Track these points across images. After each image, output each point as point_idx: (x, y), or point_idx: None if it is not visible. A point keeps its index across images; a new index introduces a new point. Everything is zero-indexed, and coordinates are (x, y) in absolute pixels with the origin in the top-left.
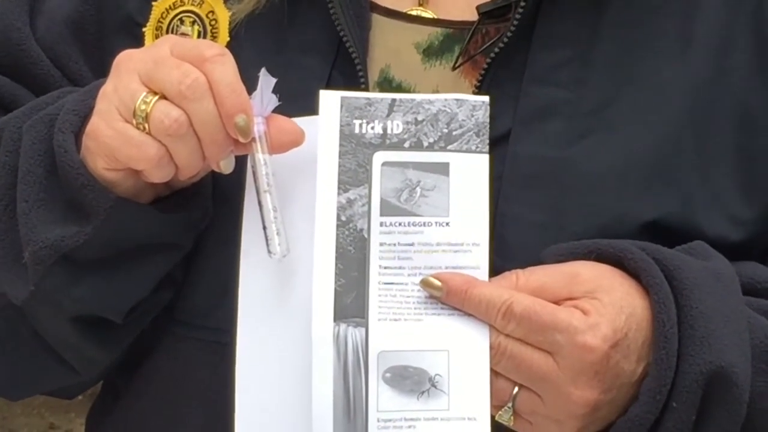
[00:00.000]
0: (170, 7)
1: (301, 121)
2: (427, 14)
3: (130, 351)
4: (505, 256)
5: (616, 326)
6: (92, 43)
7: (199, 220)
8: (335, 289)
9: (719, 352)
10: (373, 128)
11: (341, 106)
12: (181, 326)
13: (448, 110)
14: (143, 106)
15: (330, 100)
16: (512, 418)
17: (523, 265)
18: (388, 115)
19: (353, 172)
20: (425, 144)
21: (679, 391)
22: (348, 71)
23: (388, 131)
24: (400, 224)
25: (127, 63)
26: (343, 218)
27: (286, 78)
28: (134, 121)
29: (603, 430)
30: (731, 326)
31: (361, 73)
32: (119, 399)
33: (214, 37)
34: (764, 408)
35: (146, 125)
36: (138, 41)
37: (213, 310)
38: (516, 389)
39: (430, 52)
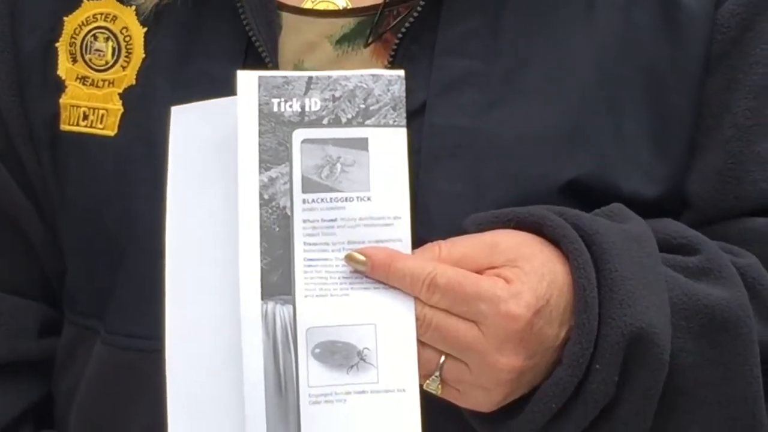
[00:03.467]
0: (83, 23)
1: (220, 102)
2: (335, 6)
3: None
4: (427, 227)
5: (538, 293)
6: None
7: None
8: (261, 268)
9: (639, 314)
10: (291, 106)
11: (259, 85)
12: (115, 339)
13: (365, 86)
14: None
15: (248, 80)
16: (440, 387)
17: (447, 235)
18: (305, 93)
19: (274, 151)
20: (343, 120)
21: (601, 354)
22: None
23: (307, 109)
24: (322, 200)
25: None
26: (266, 197)
27: (197, 88)
28: None
29: (528, 395)
30: (650, 288)
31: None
32: (59, 419)
33: (128, 53)
34: (684, 364)
35: None
36: (53, 57)
37: (143, 318)
38: (443, 359)
39: (342, 41)
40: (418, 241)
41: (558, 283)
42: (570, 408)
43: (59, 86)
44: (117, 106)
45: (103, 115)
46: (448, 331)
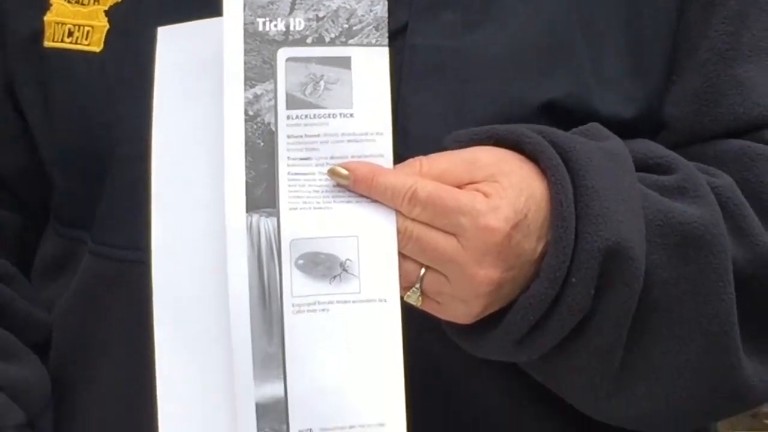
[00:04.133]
0: None
1: (206, 23)
2: None
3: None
4: (408, 145)
5: (517, 208)
6: None
7: None
8: (246, 181)
9: (615, 229)
10: (276, 26)
11: (244, 5)
12: (101, 250)
13: (348, 6)
14: None
15: (233, 0)
16: (420, 298)
17: (427, 153)
18: (290, 13)
19: (259, 69)
20: (327, 39)
21: (577, 267)
22: None
23: (291, 28)
24: (306, 116)
25: None
26: (251, 113)
27: (184, 5)
28: None
29: (506, 308)
30: (626, 204)
31: None
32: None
33: None
34: (658, 280)
35: None
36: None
37: (129, 229)
38: (423, 271)
39: None
40: (399, 160)
41: (536, 198)
42: (547, 321)
43: (43, 4)
44: (102, 23)
45: (88, 32)
46: (428, 244)
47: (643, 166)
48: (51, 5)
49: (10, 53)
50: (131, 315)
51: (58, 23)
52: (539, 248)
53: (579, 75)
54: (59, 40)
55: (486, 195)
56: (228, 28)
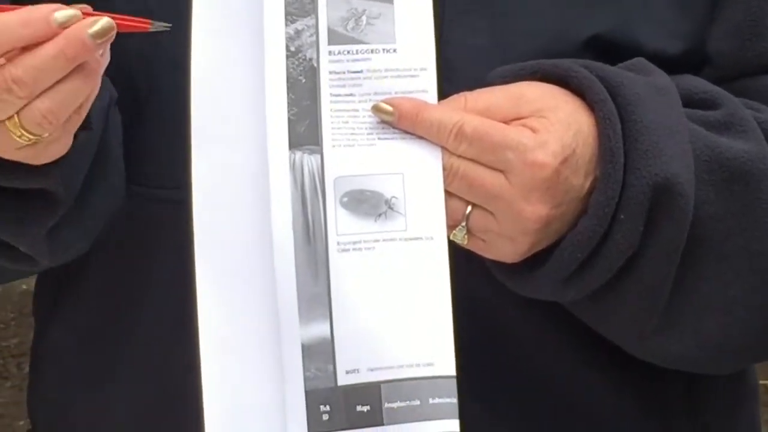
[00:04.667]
0: None
1: None
2: None
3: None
4: (452, 80)
5: (565, 143)
6: None
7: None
8: (288, 118)
9: (664, 164)
10: None
11: None
12: (140, 189)
13: None
14: None
15: None
16: (466, 237)
17: (470, 88)
18: None
19: (300, 3)
20: None
21: (626, 203)
22: None
23: None
24: (348, 52)
25: None
26: (292, 49)
27: None
28: None
29: (553, 246)
30: (674, 138)
31: None
32: (75, 277)
33: None
34: (706, 216)
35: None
36: None
37: (169, 166)
38: (469, 208)
39: None
40: (442, 95)
41: (583, 133)
42: (595, 258)
43: None
44: None
45: None
46: (475, 180)
47: (688, 101)
48: None
49: None
50: (172, 255)
51: None
52: (587, 185)
53: (624, 9)
54: None
55: (533, 130)
56: None
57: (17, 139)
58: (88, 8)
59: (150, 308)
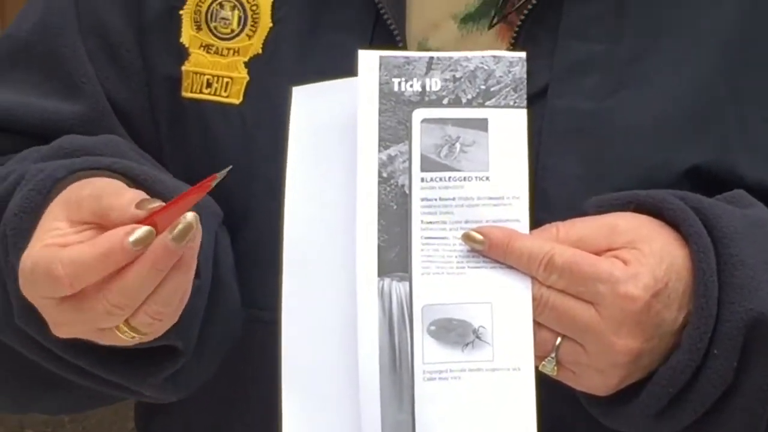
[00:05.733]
0: None
1: (340, 83)
2: None
3: None
4: (546, 209)
5: (657, 275)
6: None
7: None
8: (378, 245)
9: (760, 300)
10: (411, 86)
11: (380, 65)
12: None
13: (486, 67)
14: None
15: (369, 59)
16: (556, 368)
17: (564, 217)
18: (426, 73)
19: (393, 129)
20: (464, 100)
21: (720, 339)
22: (386, 47)
23: (427, 89)
24: (440, 179)
25: None
26: (385, 174)
27: (324, 58)
28: None
29: (644, 380)
30: None
31: (401, 45)
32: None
33: (255, 22)
34: None
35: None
36: (176, 23)
37: (260, 287)
38: (559, 340)
39: (466, 20)
40: (536, 224)
41: (677, 266)
42: (687, 394)
43: (182, 53)
44: (242, 75)
45: (227, 83)
46: (565, 312)
47: None
48: (189, 54)
49: (154, 94)
50: (260, 375)
51: (196, 73)
52: (680, 318)
53: (723, 141)
54: (197, 90)
55: (625, 262)
56: (363, 88)
57: (129, 340)
58: (159, 203)
59: (240, 426)
